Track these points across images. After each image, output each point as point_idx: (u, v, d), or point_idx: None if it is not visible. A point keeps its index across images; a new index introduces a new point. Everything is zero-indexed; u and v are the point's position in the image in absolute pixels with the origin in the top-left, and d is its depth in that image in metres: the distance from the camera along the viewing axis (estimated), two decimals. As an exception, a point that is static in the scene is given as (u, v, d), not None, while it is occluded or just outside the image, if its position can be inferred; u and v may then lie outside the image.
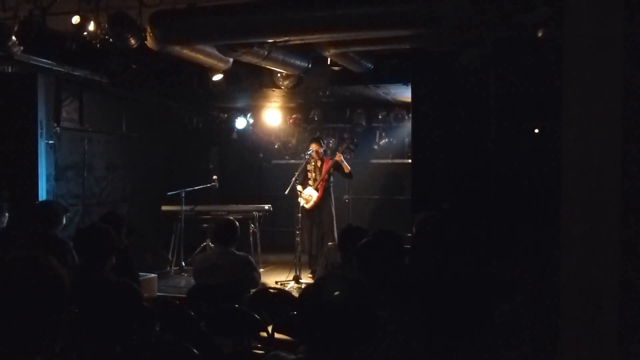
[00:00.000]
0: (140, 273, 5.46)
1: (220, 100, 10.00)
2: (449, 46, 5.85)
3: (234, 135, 10.97)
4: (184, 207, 8.46)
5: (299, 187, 8.06)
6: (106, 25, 5.50)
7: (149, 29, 5.54)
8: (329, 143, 9.96)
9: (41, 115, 7.14)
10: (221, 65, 6.87)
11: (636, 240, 1.42)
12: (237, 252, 5.17)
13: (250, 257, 5.35)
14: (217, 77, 7.27)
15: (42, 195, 7.15)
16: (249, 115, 10.77)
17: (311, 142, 8.39)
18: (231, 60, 6.72)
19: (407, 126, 9.33)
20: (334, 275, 2.28)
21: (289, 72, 7.31)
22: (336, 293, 1.95)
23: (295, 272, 7.59)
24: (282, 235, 9.71)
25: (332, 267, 5.03)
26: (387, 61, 7.23)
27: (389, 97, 9.14)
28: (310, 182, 8.21)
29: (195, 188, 8.69)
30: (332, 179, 8.31)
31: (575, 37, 1.52)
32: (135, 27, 5.54)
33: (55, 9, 5.57)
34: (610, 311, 1.44)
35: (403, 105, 9.39)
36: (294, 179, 7.97)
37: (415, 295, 3.05)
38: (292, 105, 10.31)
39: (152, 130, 9.96)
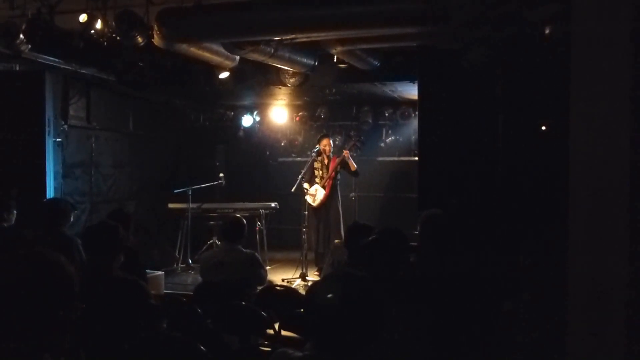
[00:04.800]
0: (147, 270, 5.47)
1: (227, 98, 10.01)
2: (456, 43, 5.84)
3: (241, 133, 10.99)
4: (191, 205, 8.48)
5: (306, 185, 8.06)
6: (113, 24, 5.52)
7: (156, 27, 5.55)
8: (335, 141, 9.96)
9: (49, 113, 7.19)
10: (228, 63, 6.87)
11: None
12: (244, 250, 5.18)
13: (257, 254, 5.36)
14: (224, 75, 7.27)
15: (50, 192, 7.19)
16: (255, 113, 10.78)
17: (321, 138, 8.39)
18: (238, 58, 6.73)
19: (413, 124, 9.31)
20: (340, 273, 2.28)
21: (295, 70, 7.31)
22: (329, 296, 1.95)
23: (302, 270, 7.60)
24: (289, 233, 9.71)
25: (339, 264, 5.03)
26: (393, 59, 7.21)
27: (395, 95, 9.13)
28: (317, 180, 8.22)
29: (202, 186, 8.71)
30: (339, 176, 8.31)
31: (583, 34, 1.52)
32: (142, 25, 5.55)
33: (63, 7, 5.60)
34: (618, 309, 1.44)
35: (410, 102, 9.38)
36: (300, 176, 7.98)
37: (420, 293, 3.05)
38: (298, 102, 10.32)
39: (159, 128, 9.99)
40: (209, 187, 8.93)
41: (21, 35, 5.76)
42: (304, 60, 6.91)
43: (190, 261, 8.49)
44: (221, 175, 9.21)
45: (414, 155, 9.23)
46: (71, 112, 8.10)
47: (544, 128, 5.93)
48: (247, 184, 10.71)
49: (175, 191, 8.53)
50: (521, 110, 5.93)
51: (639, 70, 1.37)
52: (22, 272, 1.73)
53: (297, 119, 10.56)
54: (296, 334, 4.12)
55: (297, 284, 7.35)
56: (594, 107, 1.45)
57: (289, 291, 5.16)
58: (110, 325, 3.05)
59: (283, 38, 5.81)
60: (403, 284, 2.97)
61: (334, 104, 10.17)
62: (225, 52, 6.47)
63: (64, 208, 5.22)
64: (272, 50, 6.11)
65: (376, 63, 7.16)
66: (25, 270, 1.73)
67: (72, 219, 5.34)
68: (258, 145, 11.22)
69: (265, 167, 11.30)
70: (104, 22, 5.57)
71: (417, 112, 7.12)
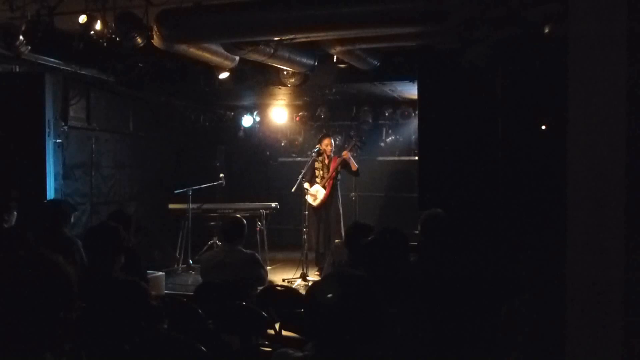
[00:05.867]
0: (147, 271, 5.48)
1: (227, 98, 10.02)
2: (455, 43, 5.84)
3: (241, 133, 10.99)
4: (191, 205, 8.49)
5: (306, 185, 8.07)
6: (113, 25, 5.52)
7: (155, 28, 5.56)
8: (335, 140, 9.96)
9: (49, 114, 7.17)
10: (227, 63, 6.88)
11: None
12: (244, 250, 5.18)
13: (257, 254, 5.36)
14: (224, 75, 7.28)
15: (51, 194, 7.18)
16: (255, 113, 10.78)
17: (322, 138, 8.40)
18: (237, 58, 6.74)
19: (413, 123, 9.31)
20: (340, 272, 2.28)
21: (295, 70, 7.31)
22: (329, 295, 1.95)
23: (303, 270, 7.60)
24: (289, 233, 9.72)
25: (339, 264, 5.04)
26: (393, 58, 7.22)
27: (395, 95, 9.13)
28: (318, 180, 8.22)
29: (202, 186, 8.71)
30: (339, 176, 8.32)
31: (580, 33, 1.52)
32: (141, 26, 5.55)
33: (62, 8, 5.59)
34: (617, 309, 1.44)
35: (409, 102, 9.39)
36: (300, 176, 7.99)
37: (420, 293, 3.05)
38: (298, 102, 10.32)
39: (159, 129, 9.99)
40: (209, 188, 8.94)
41: (21, 37, 5.77)
42: (304, 60, 6.91)
43: (190, 262, 8.49)
44: (221, 175, 9.22)
45: (414, 155, 9.23)
46: (71, 113, 8.11)
47: (543, 127, 5.93)
48: (247, 184, 10.72)
49: (176, 192, 8.54)
50: (521, 109, 5.92)
51: (636, 70, 1.37)
52: (21, 273, 1.74)
53: (297, 119, 10.56)
54: (297, 334, 4.12)
55: (298, 284, 7.36)
56: (591, 107, 1.45)
57: (289, 291, 5.17)
58: (110, 326, 3.05)
59: (282, 38, 5.81)
60: (403, 284, 2.98)
61: (333, 104, 10.17)
62: (225, 53, 6.47)
63: (65, 209, 5.22)
64: (272, 51, 6.11)
65: (376, 63, 7.16)
66: (24, 271, 1.74)
67: (72, 220, 5.35)
68: (258, 145, 11.23)
69: (265, 168, 11.30)
70: (104, 23, 5.57)
71: (417, 112, 7.12)
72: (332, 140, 8.47)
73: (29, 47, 5.96)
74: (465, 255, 4.09)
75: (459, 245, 4.05)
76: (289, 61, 6.74)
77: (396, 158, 10.53)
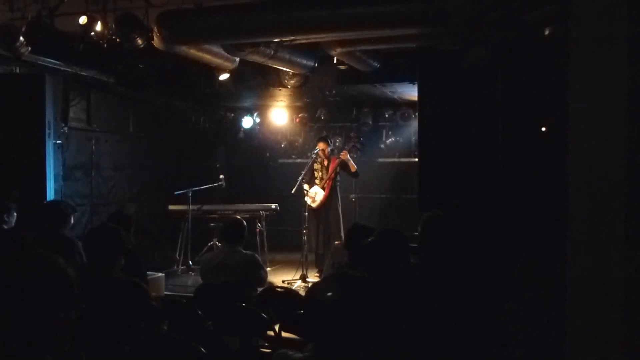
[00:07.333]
0: (147, 272, 5.48)
1: (227, 99, 10.02)
2: (455, 45, 5.84)
3: (241, 135, 10.99)
4: (191, 207, 8.49)
5: (305, 186, 8.07)
6: (113, 26, 5.52)
7: (155, 29, 5.56)
8: (335, 142, 9.97)
9: (49, 115, 7.17)
10: (228, 64, 6.88)
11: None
12: (244, 251, 5.18)
13: (257, 256, 5.36)
14: (224, 76, 7.28)
15: (50, 195, 7.18)
16: (255, 114, 10.78)
17: (318, 141, 8.41)
18: (238, 59, 6.74)
19: (413, 125, 9.32)
20: (340, 274, 2.28)
21: (295, 71, 7.32)
22: (329, 294, 1.95)
23: (302, 271, 7.60)
24: (289, 234, 9.72)
25: (339, 266, 5.03)
26: (393, 60, 7.22)
27: (395, 96, 9.13)
28: (317, 181, 8.23)
29: (202, 187, 8.71)
30: (338, 178, 8.32)
31: (581, 34, 1.53)
32: (142, 28, 5.56)
33: (63, 9, 5.59)
34: (616, 310, 1.44)
35: (409, 103, 9.39)
36: (300, 177, 7.99)
37: (421, 294, 3.05)
38: (298, 104, 10.33)
39: (160, 130, 9.99)
40: (209, 189, 8.94)
41: (21, 38, 5.77)
42: (304, 61, 6.91)
43: (190, 263, 8.48)
44: (221, 176, 9.22)
45: (414, 157, 9.23)
46: (71, 115, 8.11)
47: (544, 129, 5.93)
48: (247, 186, 10.72)
49: (176, 193, 8.54)
50: (521, 111, 5.92)
51: (636, 72, 1.38)
52: (21, 274, 1.73)
53: (297, 120, 10.57)
54: (296, 335, 4.12)
55: (298, 285, 7.36)
56: (591, 108, 1.46)
57: (289, 292, 5.17)
58: (111, 327, 3.06)
59: (283, 40, 5.82)
60: (403, 285, 2.97)
61: (334, 105, 10.18)
62: (225, 54, 6.47)
63: (65, 210, 5.22)
64: (272, 52, 6.12)
65: (376, 64, 7.16)
66: (24, 272, 1.74)
67: (72, 221, 5.35)
68: (258, 146, 11.23)
69: (265, 169, 11.31)
70: (104, 25, 5.57)
71: (417, 113, 7.12)
72: (329, 143, 8.43)
73: (30, 48, 5.97)
74: (466, 257, 4.09)
75: (459, 247, 4.05)
76: (289, 62, 6.75)
77: (396, 159, 10.53)
